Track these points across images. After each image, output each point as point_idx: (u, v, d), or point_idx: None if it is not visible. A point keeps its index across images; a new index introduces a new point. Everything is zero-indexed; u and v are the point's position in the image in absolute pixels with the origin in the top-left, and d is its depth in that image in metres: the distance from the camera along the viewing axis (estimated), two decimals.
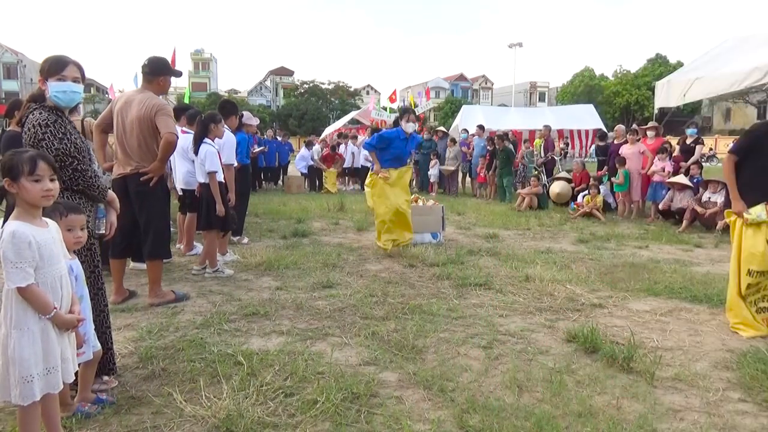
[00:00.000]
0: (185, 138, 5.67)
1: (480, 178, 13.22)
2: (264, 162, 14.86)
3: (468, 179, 14.62)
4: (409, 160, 7.28)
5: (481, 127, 14.13)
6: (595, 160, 12.63)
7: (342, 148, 16.01)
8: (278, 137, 16.74)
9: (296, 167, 15.66)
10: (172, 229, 7.37)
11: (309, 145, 15.88)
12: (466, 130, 15.36)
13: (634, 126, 10.96)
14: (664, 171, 9.16)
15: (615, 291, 4.88)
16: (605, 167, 10.96)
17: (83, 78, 2.86)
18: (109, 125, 4.33)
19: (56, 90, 2.74)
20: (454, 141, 14.29)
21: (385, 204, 6.52)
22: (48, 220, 2.18)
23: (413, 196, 7.75)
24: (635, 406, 2.74)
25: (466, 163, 14.09)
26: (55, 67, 2.75)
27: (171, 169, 6.19)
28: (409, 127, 6.59)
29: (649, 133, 10.17)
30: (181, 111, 6.64)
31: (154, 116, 4.06)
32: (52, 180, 2.11)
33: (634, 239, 7.54)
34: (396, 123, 7.02)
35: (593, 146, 17.74)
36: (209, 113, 5.52)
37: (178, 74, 4.54)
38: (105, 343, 2.79)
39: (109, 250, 4.36)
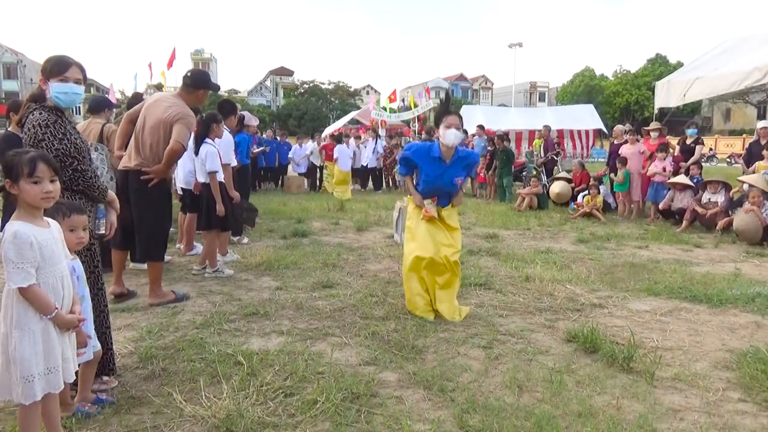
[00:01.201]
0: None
1: (480, 178, 13.21)
2: (264, 162, 14.79)
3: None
4: (455, 197, 4.33)
5: (481, 127, 14.13)
6: (596, 160, 12.64)
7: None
8: (277, 137, 16.69)
9: (293, 169, 15.49)
10: (172, 229, 7.40)
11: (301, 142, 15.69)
12: (464, 131, 15.32)
13: (628, 125, 10.96)
14: (665, 171, 9.16)
15: (615, 291, 4.88)
16: (606, 167, 10.98)
17: (85, 79, 2.87)
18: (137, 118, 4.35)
19: (58, 91, 2.74)
20: None
21: (411, 248, 4.20)
22: (49, 220, 2.18)
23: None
24: (635, 406, 2.74)
25: None
26: (58, 67, 2.75)
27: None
28: (450, 137, 3.99)
29: (652, 133, 10.17)
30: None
31: (174, 122, 4.09)
32: (52, 181, 2.10)
33: (634, 239, 7.54)
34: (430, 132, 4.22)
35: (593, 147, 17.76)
36: (210, 113, 5.53)
37: (216, 88, 4.69)
38: (105, 344, 2.79)
39: (111, 241, 4.35)
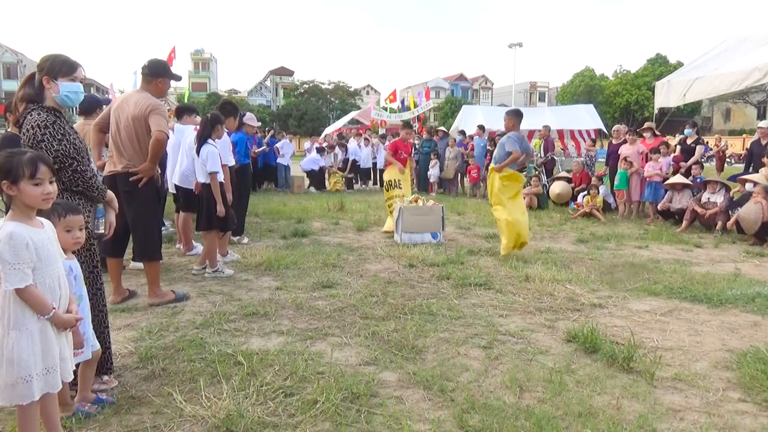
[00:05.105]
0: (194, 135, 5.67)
1: (472, 179, 13.20)
2: (262, 162, 14.67)
3: (462, 179, 14.64)
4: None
5: (481, 127, 14.12)
6: (596, 160, 12.58)
7: (339, 148, 16.00)
8: (274, 137, 16.55)
9: (302, 168, 15.16)
10: (171, 229, 7.40)
11: (321, 151, 15.21)
12: (462, 132, 15.31)
13: (623, 126, 10.98)
14: (661, 171, 9.17)
15: (615, 291, 4.88)
16: (606, 167, 10.99)
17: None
18: (107, 125, 4.36)
19: (69, 90, 2.79)
20: (454, 141, 14.30)
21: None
22: (43, 219, 2.17)
23: (413, 196, 7.74)
24: (635, 406, 2.74)
25: (464, 163, 14.08)
26: (67, 67, 2.81)
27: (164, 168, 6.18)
28: None
29: (645, 134, 10.18)
30: (186, 110, 6.60)
31: (148, 115, 4.08)
32: (51, 182, 2.10)
33: (634, 239, 7.54)
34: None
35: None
36: (214, 114, 5.52)
37: (177, 78, 4.58)
38: (103, 343, 2.79)
39: (103, 249, 4.34)
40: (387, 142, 16.22)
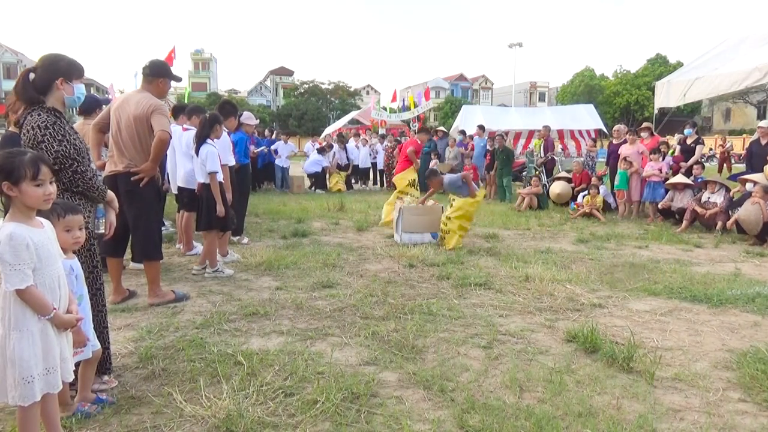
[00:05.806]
0: (189, 135, 5.68)
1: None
2: (261, 162, 14.62)
3: None
4: None
5: (481, 127, 14.12)
6: (597, 160, 12.60)
7: (336, 148, 15.99)
8: (273, 136, 16.52)
9: (305, 171, 15.07)
10: (171, 228, 7.41)
11: (322, 151, 15.13)
12: (463, 132, 15.31)
13: (618, 126, 11.01)
14: (661, 172, 9.17)
15: (615, 291, 4.88)
16: (606, 167, 10.99)
17: None
18: (107, 125, 4.36)
19: (81, 92, 2.92)
20: (454, 141, 14.30)
21: None
22: (42, 220, 2.17)
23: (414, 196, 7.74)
24: (635, 406, 2.74)
25: (463, 163, 14.06)
26: (79, 70, 2.92)
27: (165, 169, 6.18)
28: None
29: (642, 134, 10.19)
30: (181, 110, 6.65)
31: (150, 115, 4.09)
32: (51, 183, 2.10)
33: (634, 239, 7.54)
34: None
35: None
36: (213, 113, 5.52)
37: (178, 79, 4.61)
38: (103, 343, 2.79)
39: (103, 249, 4.34)
40: (386, 142, 16.22)
